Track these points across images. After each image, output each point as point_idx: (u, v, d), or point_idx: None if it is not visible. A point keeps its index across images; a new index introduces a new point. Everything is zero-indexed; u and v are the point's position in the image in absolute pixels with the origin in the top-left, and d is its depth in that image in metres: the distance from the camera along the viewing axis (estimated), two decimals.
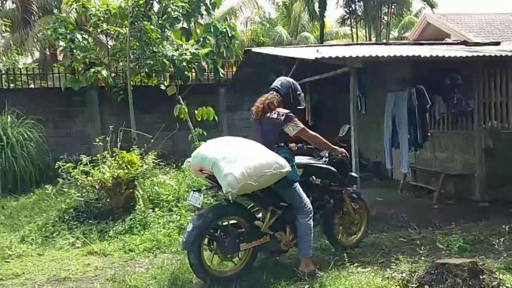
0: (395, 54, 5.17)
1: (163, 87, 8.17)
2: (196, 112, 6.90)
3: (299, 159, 4.21)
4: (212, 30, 8.82)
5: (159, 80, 8.67)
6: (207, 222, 3.60)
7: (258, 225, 3.78)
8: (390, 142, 6.60)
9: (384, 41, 13.24)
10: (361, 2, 15.13)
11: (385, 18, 16.44)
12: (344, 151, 4.23)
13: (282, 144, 3.83)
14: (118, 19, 8.20)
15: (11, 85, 9.81)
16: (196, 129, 6.89)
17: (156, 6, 8.43)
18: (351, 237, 4.65)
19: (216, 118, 7.11)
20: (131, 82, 8.53)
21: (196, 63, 8.66)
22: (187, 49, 8.25)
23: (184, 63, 8.28)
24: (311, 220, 3.86)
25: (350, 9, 15.59)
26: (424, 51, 5.79)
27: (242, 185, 3.36)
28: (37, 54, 16.68)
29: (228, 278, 3.68)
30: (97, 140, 6.11)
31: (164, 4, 8.27)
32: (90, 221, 5.32)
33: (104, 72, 8.34)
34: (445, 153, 7.09)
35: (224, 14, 18.40)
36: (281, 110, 3.80)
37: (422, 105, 6.13)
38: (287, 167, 3.60)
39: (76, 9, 8.82)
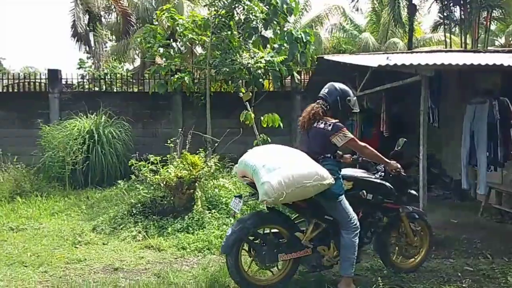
0: (472, 62, 4.66)
1: (241, 94, 8.43)
2: (262, 118, 6.97)
3: (349, 171, 4.03)
4: (286, 36, 8.85)
5: (236, 86, 8.94)
6: (246, 228, 3.62)
7: (298, 237, 3.71)
8: (467, 159, 5.95)
9: (482, 48, 12.04)
10: (457, 6, 13.91)
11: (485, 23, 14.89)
12: (399, 166, 3.93)
13: (329, 155, 3.68)
14: (202, 30, 8.67)
15: (110, 88, 10.94)
16: (261, 135, 6.96)
17: (236, 16, 8.73)
18: (409, 260, 4.33)
19: (281, 124, 7.06)
20: (211, 88, 8.93)
21: (271, 70, 8.75)
22: (262, 57, 8.40)
23: (259, 71, 8.45)
24: (357, 237, 3.67)
25: (445, 14, 14.43)
26: None
27: (279, 195, 3.32)
28: (139, 61, 18.37)
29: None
30: (169, 142, 6.56)
31: (244, 14, 8.53)
32: (154, 217, 5.69)
33: (187, 78, 8.87)
34: None
35: (310, 22, 18.37)
36: (329, 120, 3.68)
37: (506, 119, 5.43)
38: (329, 179, 3.47)
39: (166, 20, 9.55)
